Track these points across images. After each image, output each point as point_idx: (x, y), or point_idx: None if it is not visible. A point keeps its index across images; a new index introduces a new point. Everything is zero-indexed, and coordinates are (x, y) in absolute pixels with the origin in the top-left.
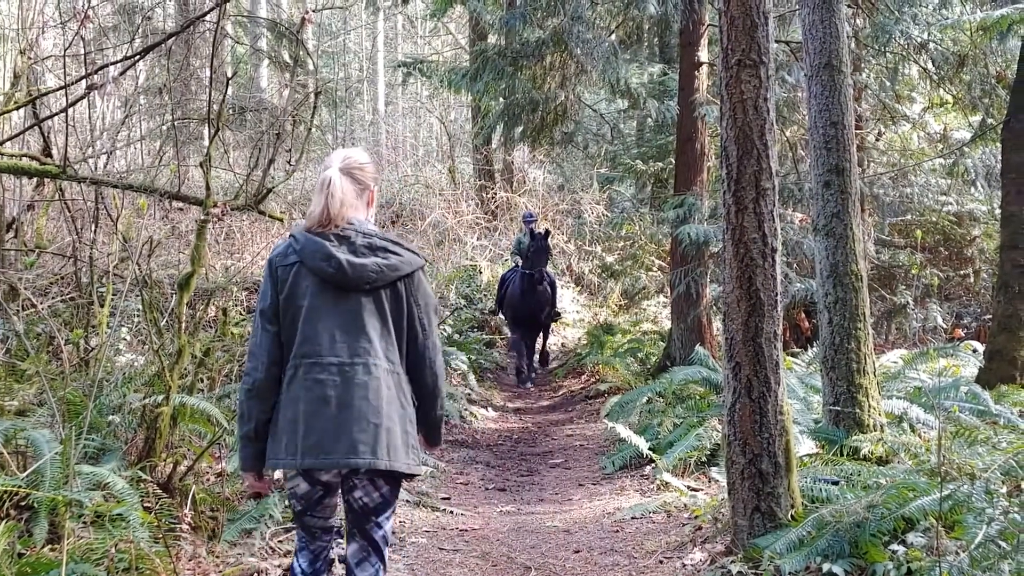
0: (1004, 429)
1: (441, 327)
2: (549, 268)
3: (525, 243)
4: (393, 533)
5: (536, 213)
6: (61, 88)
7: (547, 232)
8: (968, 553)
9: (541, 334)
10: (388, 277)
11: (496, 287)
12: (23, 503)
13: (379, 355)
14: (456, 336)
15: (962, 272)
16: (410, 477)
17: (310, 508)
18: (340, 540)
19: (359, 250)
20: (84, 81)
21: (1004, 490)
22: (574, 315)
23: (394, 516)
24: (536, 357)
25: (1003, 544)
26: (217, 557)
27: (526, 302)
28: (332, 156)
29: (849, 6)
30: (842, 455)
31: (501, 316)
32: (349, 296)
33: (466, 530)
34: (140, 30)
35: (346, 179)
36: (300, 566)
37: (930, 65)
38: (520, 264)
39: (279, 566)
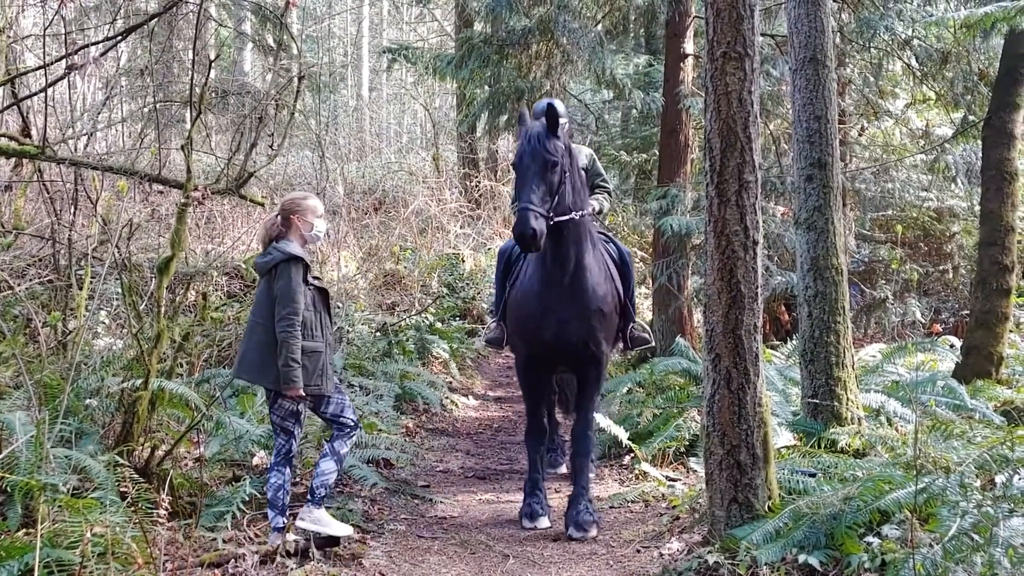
0: (979, 424)
1: (423, 315)
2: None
3: None
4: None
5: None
6: (41, 68)
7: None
8: (942, 545)
9: (580, 380)
10: (265, 268)
11: (494, 280)
12: None
13: (262, 314)
14: (438, 324)
15: (941, 268)
16: (283, 393)
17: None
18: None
19: (264, 254)
20: (64, 61)
21: (978, 484)
22: None
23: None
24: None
25: (976, 537)
26: (194, 542)
27: (552, 307)
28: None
29: (835, 1)
30: (820, 447)
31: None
32: (262, 280)
33: (445, 518)
34: (122, 10)
35: (278, 218)
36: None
37: (914, 61)
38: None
39: (256, 552)
